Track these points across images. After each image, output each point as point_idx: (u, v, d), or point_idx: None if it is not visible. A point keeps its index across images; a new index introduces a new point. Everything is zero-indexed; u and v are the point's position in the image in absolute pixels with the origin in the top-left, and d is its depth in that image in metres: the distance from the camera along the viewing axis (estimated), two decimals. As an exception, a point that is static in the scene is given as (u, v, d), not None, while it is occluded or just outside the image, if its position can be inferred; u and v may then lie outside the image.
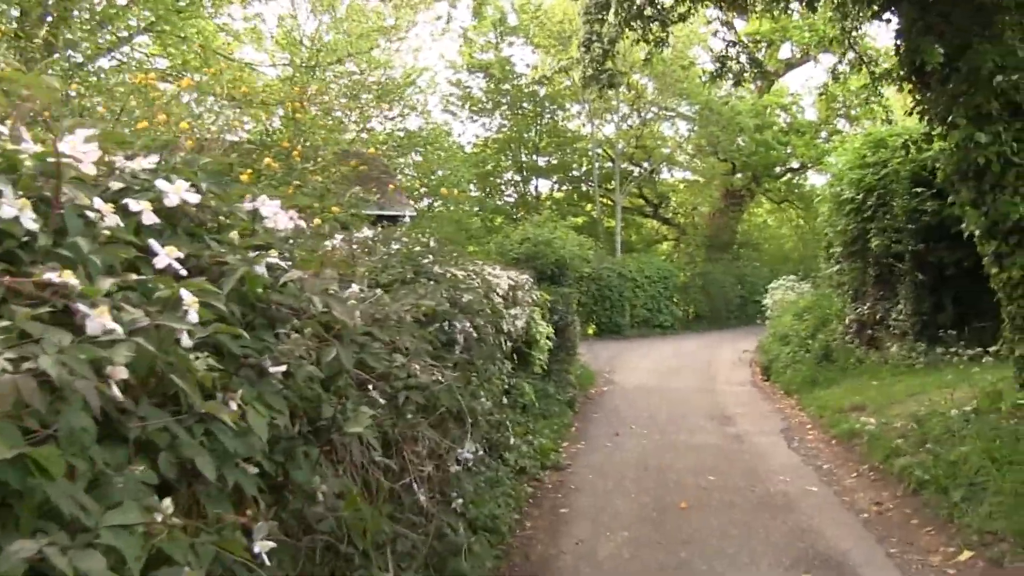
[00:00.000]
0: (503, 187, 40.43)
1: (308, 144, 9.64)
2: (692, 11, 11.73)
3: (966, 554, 6.68)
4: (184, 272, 2.18)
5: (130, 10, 19.01)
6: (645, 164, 38.80)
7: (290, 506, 2.64)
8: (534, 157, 39.10)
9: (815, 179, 39.83)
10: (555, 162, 39.82)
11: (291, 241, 3.05)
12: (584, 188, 40.26)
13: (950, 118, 8.78)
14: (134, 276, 2.03)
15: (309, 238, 3.55)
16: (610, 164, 37.57)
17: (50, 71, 12.02)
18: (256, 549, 2.11)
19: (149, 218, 2.24)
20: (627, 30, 11.19)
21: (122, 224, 2.21)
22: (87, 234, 2.03)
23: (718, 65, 12.34)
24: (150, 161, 2.57)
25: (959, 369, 12.30)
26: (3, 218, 1.88)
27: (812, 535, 7.49)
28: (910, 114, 9.94)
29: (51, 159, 2.11)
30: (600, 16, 11.29)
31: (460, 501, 5.09)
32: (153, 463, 1.85)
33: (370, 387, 3.39)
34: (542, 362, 12.56)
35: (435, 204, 30.89)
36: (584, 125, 38.34)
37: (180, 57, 19.78)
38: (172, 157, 2.99)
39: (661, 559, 7.01)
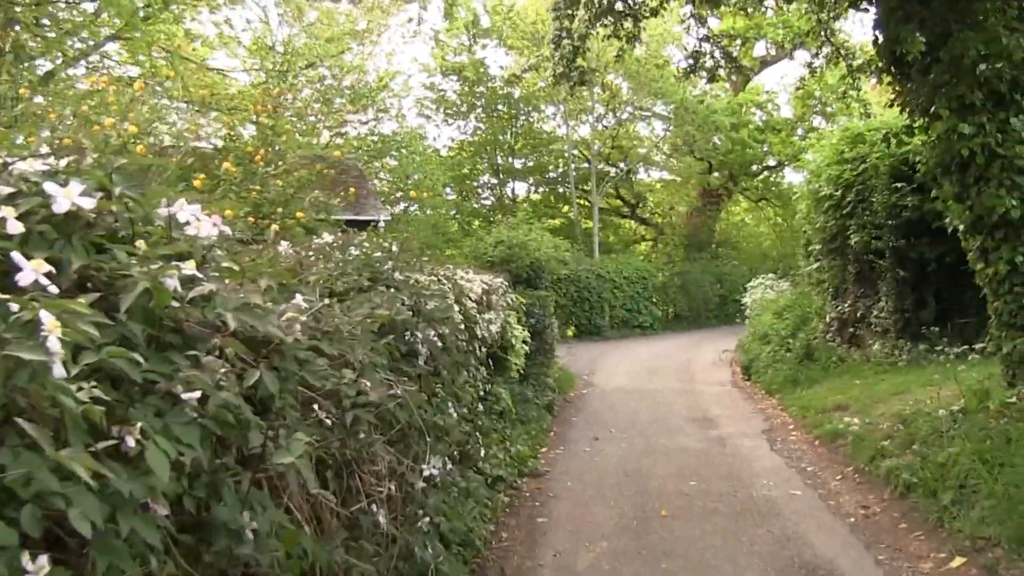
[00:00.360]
0: (480, 190, 40.20)
1: (277, 149, 9.29)
2: (664, 6, 11.46)
3: (958, 560, 6.41)
4: (55, 289, 1.86)
5: (98, 18, 18.59)
6: (621, 164, 38.63)
7: (214, 547, 2.32)
8: (510, 159, 38.88)
9: (792, 177, 39.82)
10: (531, 164, 39.63)
11: (216, 250, 2.72)
12: (561, 190, 40.04)
13: (932, 109, 8.52)
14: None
15: (237, 246, 3.22)
16: (586, 165, 37.38)
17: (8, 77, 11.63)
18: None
19: (13, 227, 1.91)
20: (598, 26, 10.91)
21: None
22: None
23: (691, 61, 12.07)
24: (44, 163, 2.24)
25: (943, 367, 12.06)
26: None
27: (798, 543, 7.21)
28: (891, 106, 9.69)
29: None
30: (569, 12, 11.00)
31: (427, 519, 4.79)
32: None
33: (316, 407, 3.08)
34: (519, 366, 12.28)
35: (411, 208, 30.57)
36: (559, 126, 38.17)
37: (149, 63, 19.35)
38: (83, 158, 2.66)
39: (642, 572, 6.73)
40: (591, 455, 11.01)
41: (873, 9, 9.35)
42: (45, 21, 17.04)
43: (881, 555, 6.88)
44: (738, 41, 31.11)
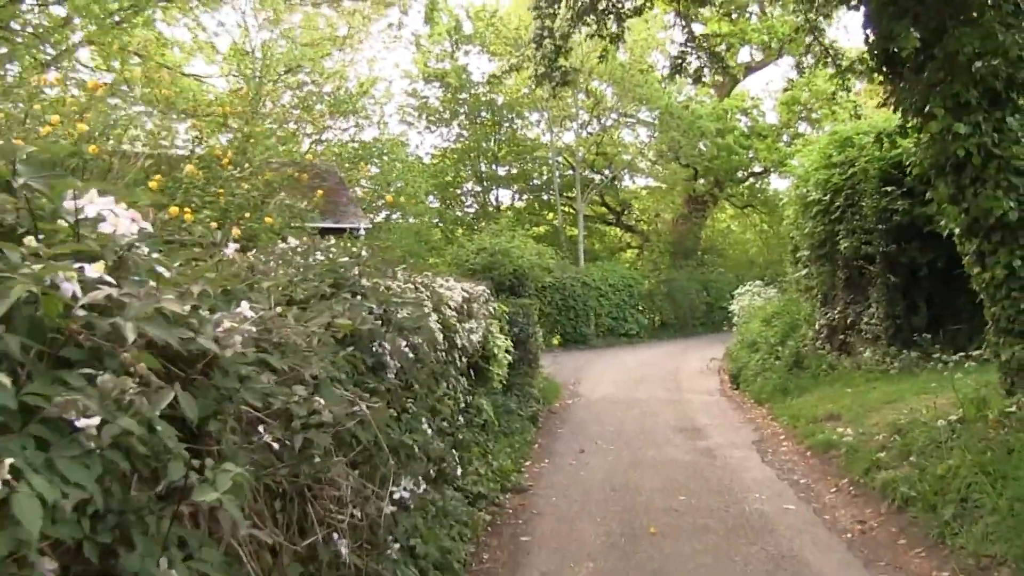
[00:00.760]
0: (463, 198, 39.87)
1: (250, 154, 8.94)
2: (648, 5, 11.15)
3: (962, 580, 6.10)
4: None
5: (68, 23, 18.21)
6: (606, 171, 38.37)
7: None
8: (493, 167, 38.59)
9: (778, 183, 39.73)
10: (515, 171, 39.34)
11: (138, 250, 2.35)
12: (545, 197, 39.73)
13: (927, 108, 8.19)
14: None
15: (180, 249, 2.87)
16: (571, 172, 37.10)
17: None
18: None
19: None
20: (580, 25, 10.58)
21: None
22: None
23: (677, 61, 11.74)
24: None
25: (936, 374, 11.79)
26: None
27: (793, 561, 6.88)
28: (883, 106, 9.38)
29: None
30: (551, 11, 10.67)
31: (397, 546, 4.42)
32: None
33: (262, 428, 2.73)
34: (501, 377, 11.94)
35: (393, 216, 30.17)
36: (543, 133, 37.87)
37: (123, 67, 18.96)
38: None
39: (630, 595, 6.39)
40: (577, 468, 10.66)
41: (864, 7, 9.03)
42: (15, 24, 16.67)
43: (881, 573, 6.56)
44: (723, 45, 30.84)
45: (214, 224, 6.62)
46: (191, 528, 2.31)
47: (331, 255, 4.73)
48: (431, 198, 35.30)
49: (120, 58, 17.44)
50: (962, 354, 10.90)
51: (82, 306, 1.86)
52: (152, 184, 6.24)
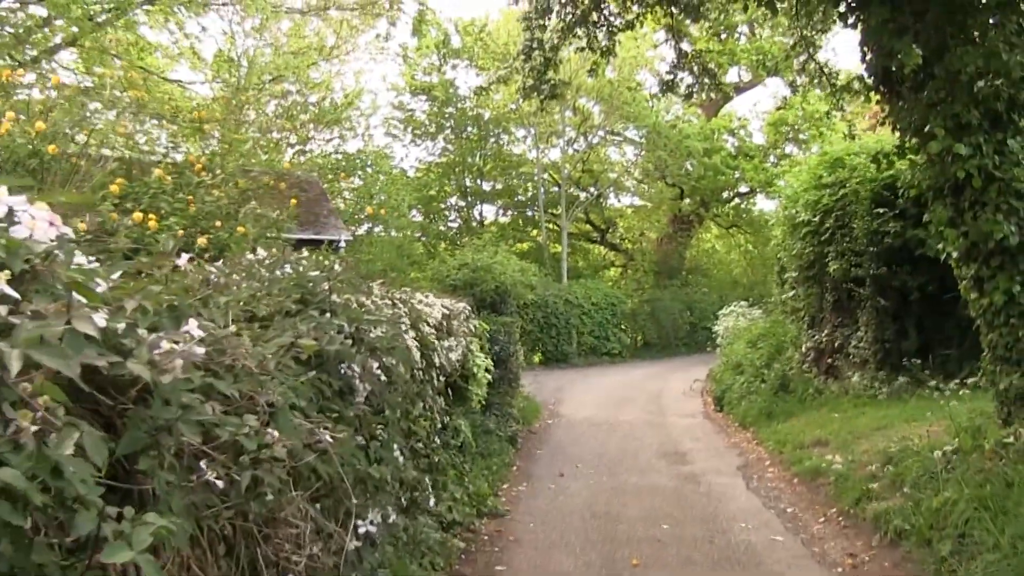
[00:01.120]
0: (447, 212, 39.56)
1: (223, 161, 8.59)
2: (640, 20, 10.88)
3: (961, 622, 5.79)
4: None
5: (51, 24, 17.84)
6: (592, 189, 38.17)
7: None
8: (478, 182, 38.34)
9: (764, 204, 39.62)
10: (500, 187, 39.10)
11: (57, 259, 2.01)
12: (530, 213, 39.48)
13: (926, 128, 7.90)
14: None
15: (119, 260, 2.54)
16: (556, 189, 36.87)
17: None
18: None
19: None
20: (570, 37, 10.30)
21: None
22: None
23: (670, 76, 11.47)
24: None
25: (927, 400, 11.54)
26: None
27: (783, 598, 6.57)
28: (881, 125, 9.12)
29: None
30: (541, 22, 10.38)
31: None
32: None
33: (204, 464, 2.40)
34: (480, 396, 11.60)
35: (376, 229, 29.78)
36: (530, 149, 37.66)
37: (108, 73, 18.57)
38: None
39: (612, 632, 6.06)
40: (556, 493, 10.33)
41: (861, 25, 8.75)
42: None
43: (875, 613, 6.26)
44: (712, 64, 30.75)
45: (180, 232, 6.29)
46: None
47: (301, 268, 4.39)
48: (414, 212, 35.00)
49: (100, 61, 17.06)
50: (956, 381, 10.60)
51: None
52: (113, 188, 5.91)
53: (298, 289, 3.92)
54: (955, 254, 8.34)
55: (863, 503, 8.45)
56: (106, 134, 7.45)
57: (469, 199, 38.83)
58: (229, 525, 2.47)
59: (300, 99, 26.65)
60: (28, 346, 1.56)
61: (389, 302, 7.34)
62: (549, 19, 10.38)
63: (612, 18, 10.61)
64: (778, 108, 29.82)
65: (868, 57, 8.59)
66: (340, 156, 28.14)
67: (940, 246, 8.69)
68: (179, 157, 9.19)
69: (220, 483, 2.36)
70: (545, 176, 37.08)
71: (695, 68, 11.46)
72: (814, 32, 10.19)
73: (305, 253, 5.69)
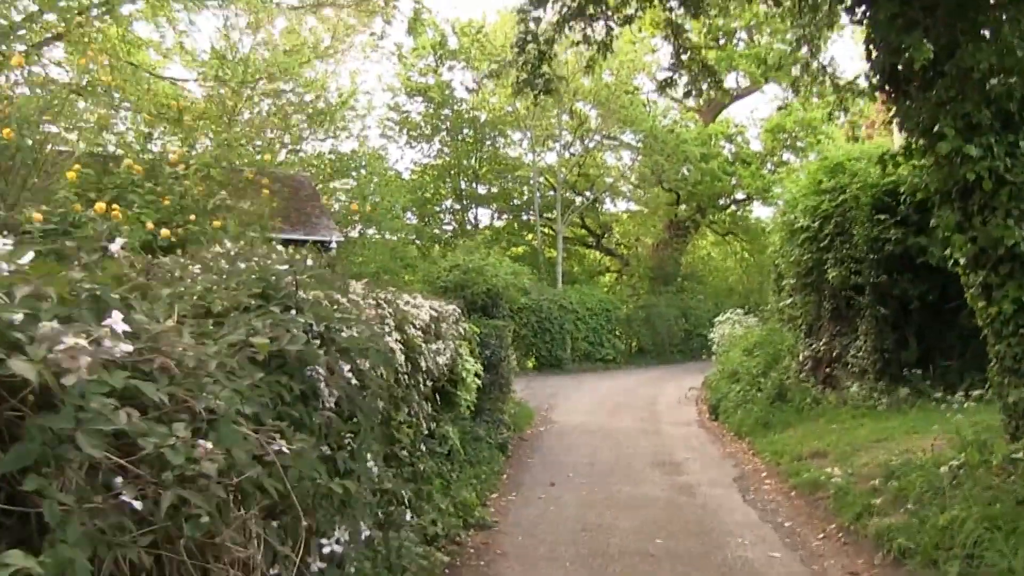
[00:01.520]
0: (441, 215, 39.27)
1: (198, 154, 8.26)
2: (639, 14, 10.54)
3: (972, 649, 5.45)
4: None
5: (40, 17, 17.47)
6: (588, 193, 37.86)
7: None
8: (474, 185, 38.07)
9: (760, 211, 39.36)
10: (495, 191, 38.84)
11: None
12: (525, 218, 39.19)
13: (935, 128, 7.56)
14: None
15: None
16: (552, 193, 36.57)
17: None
18: None
19: None
20: (566, 30, 9.96)
21: None
22: None
23: (668, 75, 11.13)
24: None
25: (928, 412, 11.24)
26: None
27: (782, 620, 6.22)
28: (889, 123, 8.79)
29: None
30: (536, 15, 10.04)
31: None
32: None
33: (120, 481, 2.05)
34: (469, 402, 11.25)
35: (369, 231, 29.41)
36: (526, 153, 37.35)
37: (99, 70, 18.18)
38: None
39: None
40: (546, 503, 9.97)
41: (867, 21, 8.42)
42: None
43: (879, 637, 5.92)
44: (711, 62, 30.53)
45: (150, 225, 5.94)
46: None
47: (268, 262, 4.04)
48: (408, 214, 34.71)
49: (85, 55, 16.66)
50: (961, 393, 10.26)
51: None
52: (70, 174, 5.56)
53: (260, 283, 3.58)
54: (962, 260, 7.99)
55: (864, 519, 8.10)
56: (75, 121, 7.10)
57: (464, 202, 38.53)
58: (150, 555, 2.12)
59: (295, 98, 26.31)
60: None
61: (373, 302, 7.01)
62: (545, 11, 10.04)
63: (609, 12, 10.26)
64: (779, 108, 29.53)
65: (874, 55, 8.25)
66: (333, 156, 27.79)
67: (947, 252, 8.33)
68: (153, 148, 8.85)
69: (139, 504, 2.01)
70: (541, 180, 36.78)
71: (694, 66, 11.11)
72: (818, 29, 9.84)
73: (281, 248, 5.34)
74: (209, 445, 2.19)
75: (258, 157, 21.27)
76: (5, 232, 2.51)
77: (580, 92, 33.04)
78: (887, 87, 8.39)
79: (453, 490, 9.08)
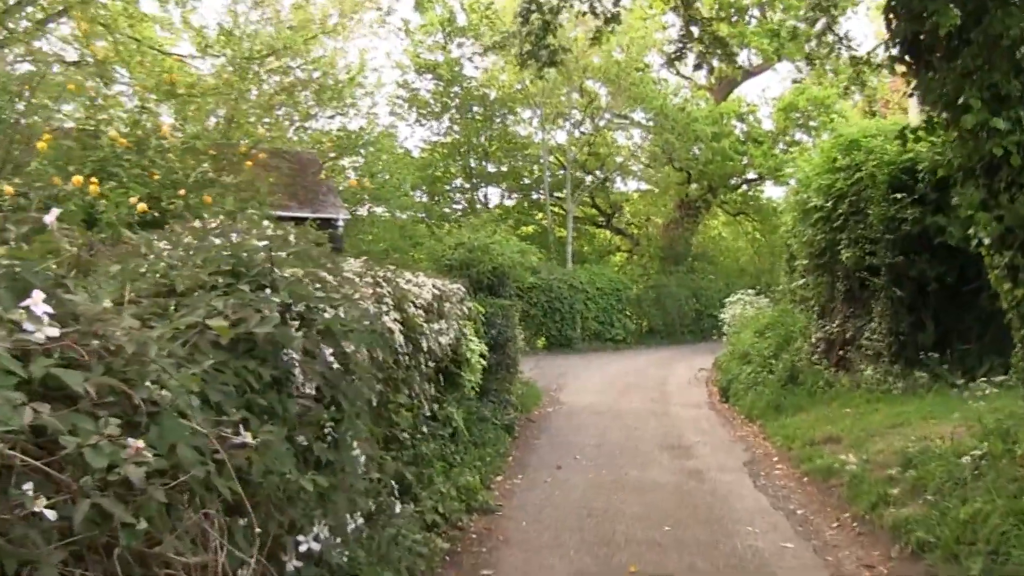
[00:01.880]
0: (451, 194, 38.93)
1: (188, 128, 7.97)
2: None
3: (996, 650, 5.16)
4: None
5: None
6: (598, 172, 37.43)
7: None
8: (483, 163, 37.72)
9: (772, 191, 38.93)
10: (505, 169, 38.48)
11: None
12: (535, 196, 38.82)
13: (960, 100, 7.18)
14: None
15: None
16: (562, 172, 36.20)
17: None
18: None
19: None
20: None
21: None
22: None
23: (679, 47, 10.77)
24: None
25: (944, 397, 10.92)
26: None
27: (794, 615, 5.94)
28: (910, 96, 8.43)
29: None
30: (542, -17, 9.69)
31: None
32: None
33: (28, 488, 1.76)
34: (474, 383, 10.99)
35: (378, 210, 29.08)
36: (536, 131, 36.94)
37: (96, 45, 17.85)
38: None
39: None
40: (552, 487, 9.71)
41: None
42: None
43: (897, 635, 5.63)
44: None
45: (135, 200, 5.65)
46: None
47: (246, 237, 3.74)
48: (418, 192, 34.41)
49: (81, 29, 16.34)
50: (983, 379, 9.92)
51: None
52: (40, 144, 5.28)
53: (230, 260, 3.28)
54: (987, 240, 7.61)
55: (880, 508, 7.81)
56: (59, 92, 6.80)
57: (474, 181, 38.19)
58: (72, 572, 1.83)
59: (303, 74, 25.96)
60: None
61: (371, 280, 6.74)
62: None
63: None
64: (794, 81, 29.07)
65: (895, 24, 7.88)
66: (341, 134, 27.44)
67: (968, 232, 7.97)
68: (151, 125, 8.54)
69: (52, 514, 1.72)
70: (551, 158, 36.40)
71: (705, 38, 10.74)
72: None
73: (270, 225, 5.05)
74: (140, 444, 1.89)
75: (268, 135, 21.03)
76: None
77: (590, 69, 32.57)
78: (908, 57, 8.02)
79: (456, 473, 8.81)
